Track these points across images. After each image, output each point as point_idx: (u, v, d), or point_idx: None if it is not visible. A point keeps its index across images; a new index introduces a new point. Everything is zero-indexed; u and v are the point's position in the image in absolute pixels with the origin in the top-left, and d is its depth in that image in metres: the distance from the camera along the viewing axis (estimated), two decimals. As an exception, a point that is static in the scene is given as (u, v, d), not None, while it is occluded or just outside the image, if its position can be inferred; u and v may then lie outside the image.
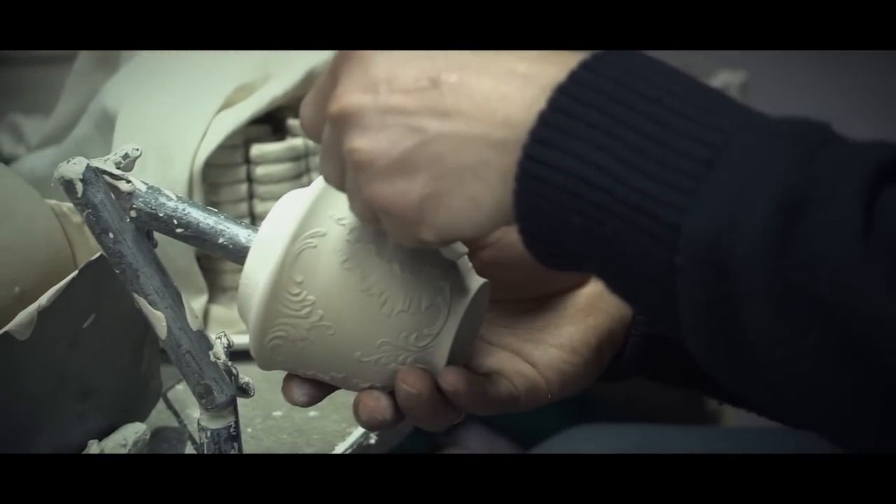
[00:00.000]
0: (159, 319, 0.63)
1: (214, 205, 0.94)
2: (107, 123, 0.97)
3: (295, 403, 0.62)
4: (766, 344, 0.45)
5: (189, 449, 0.81)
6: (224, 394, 0.65)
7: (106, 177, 0.62)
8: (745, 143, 0.46)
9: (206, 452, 0.66)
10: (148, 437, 0.76)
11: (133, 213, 0.62)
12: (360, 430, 0.82)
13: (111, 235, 0.62)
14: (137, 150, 0.65)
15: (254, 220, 0.96)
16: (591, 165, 0.47)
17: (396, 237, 0.54)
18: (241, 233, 0.62)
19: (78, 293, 0.68)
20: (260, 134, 0.97)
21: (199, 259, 0.95)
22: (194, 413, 0.84)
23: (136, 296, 0.63)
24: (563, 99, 0.48)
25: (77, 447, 0.73)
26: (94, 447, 0.73)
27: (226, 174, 0.95)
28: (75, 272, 0.68)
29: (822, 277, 0.43)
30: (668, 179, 0.46)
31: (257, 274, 0.58)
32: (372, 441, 0.82)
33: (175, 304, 0.64)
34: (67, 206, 0.77)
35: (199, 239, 0.62)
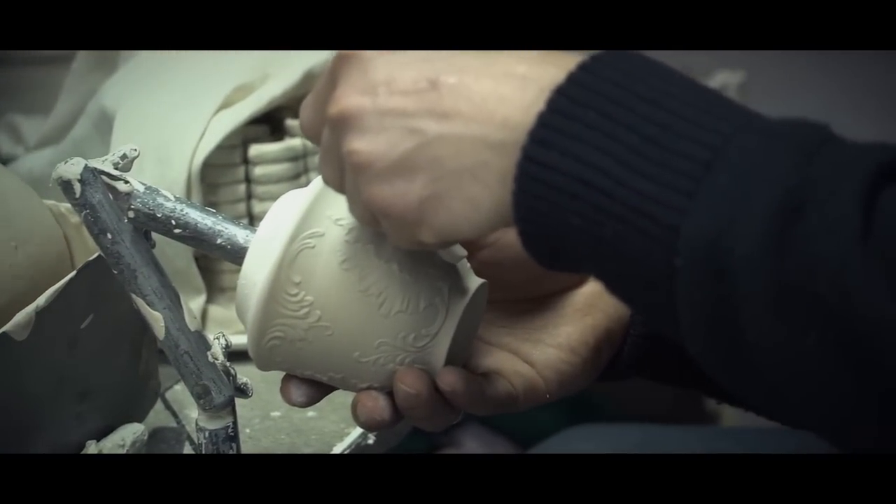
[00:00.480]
0: (157, 320, 0.63)
1: (213, 205, 0.93)
2: (105, 124, 0.97)
3: (293, 404, 0.62)
4: (765, 345, 0.45)
5: (187, 449, 0.81)
6: (222, 394, 0.65)
7: (104, 177, 0.62)
8: (743, 144, 0.46)
9: (204, 453, 0.66)
10: (146, 437, 0.76)
11: (131, 214, 0.62)
12: (358, 431, 0.82)
13: (109, 236, 0.62)
14: (135, 150, 0.65)
15: (252, 220, 0.96)
16: (590, 167, 0.47)
17: (396, 239, 0.53)
18: (239, 233, 0.62)
19: (76, 294, 0.68)
20: (258, 134, 0.97)
21: (197, 259, 0.95)
22: (192, 413, 0.84)
23: (134, 296, 0.63)
24: (562, 100, 0.48)
25: (75, 447, 0.73)
26: (92, 448, 0.73)
27: (224, 174, 0.95)
28: (73, 273, 0.68)
29: (821, 279, 0.43)
30: (668, 181, 0.46)
31: (255, 274, 0.58)
32: (370, 441, 0.82)
33: (173, 304, 0.64)
34: (65, 206, 0.77)
35: (197, 239, 0.62)
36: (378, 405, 0.60)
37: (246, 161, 0.96)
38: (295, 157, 0.96)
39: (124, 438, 0.75)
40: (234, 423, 0.66)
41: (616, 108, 0.47)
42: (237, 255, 0.61)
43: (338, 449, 0.81)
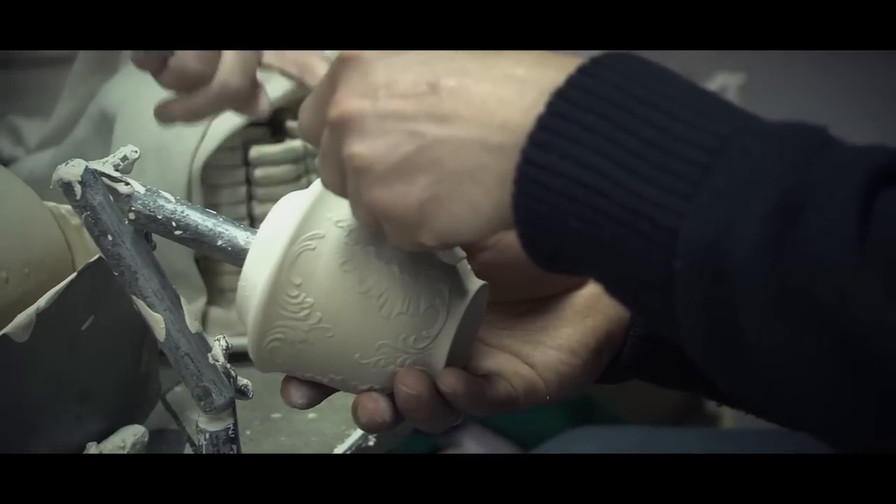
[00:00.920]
0: (158, 321, 0.63)
1: (213, 207, 0.93)
2: (106, 125, 0.97)
3: (293, 405, 0.62)
4: (764, 346, 0.45)
5: (187, 451, 0.81)
6: (223, 396, 0.65)
7: (104, 179, 0.62)
8: (742, 147, 0.46)
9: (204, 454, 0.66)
10: (146, 439, 0.76)
11: (132, 215, 0.62)
12: (358, 432, 0.83)
13: (110, 237, 0.62)
14: (136, 151, 0.65)
15: (252, 221, 0.96)
16: (590, 169, 0.47)
17: (396, 241, 0.54)
18: (239, 235, 0.62)
19: (76, 295, 0.68)
20: (259, 136, 0.97)
21: (197, 261, 0.95)
22: (193, 415, 0.84)
23: (134, 298, 0.63)
24: (562, 103, 0.48)
25: (76, 449, 0.73)
26: (92, 449, 0.73)
27: (225, 176, 0.95)
28: (74, 274, 0.68)
29: (819, 281, 0.43)
30: (666, 183, 0.46)
31: (256, 276, 0.58)
32: (371, 443, 0.82)
33: (174, 306, 0.64)
34: (66, 208, 0.77)
35: (197, 241, 0.62)
36: (379, 407, 0.60)
37: (246, 163, 0.96)
38: (296, 158, 0.96)
39: (125, 440, 0.75)
40: (235, 424, 0.66)
41: (615, 111, 0.47)
42: (238, 256, 0.61)
43: (338, 450, 0.81)
